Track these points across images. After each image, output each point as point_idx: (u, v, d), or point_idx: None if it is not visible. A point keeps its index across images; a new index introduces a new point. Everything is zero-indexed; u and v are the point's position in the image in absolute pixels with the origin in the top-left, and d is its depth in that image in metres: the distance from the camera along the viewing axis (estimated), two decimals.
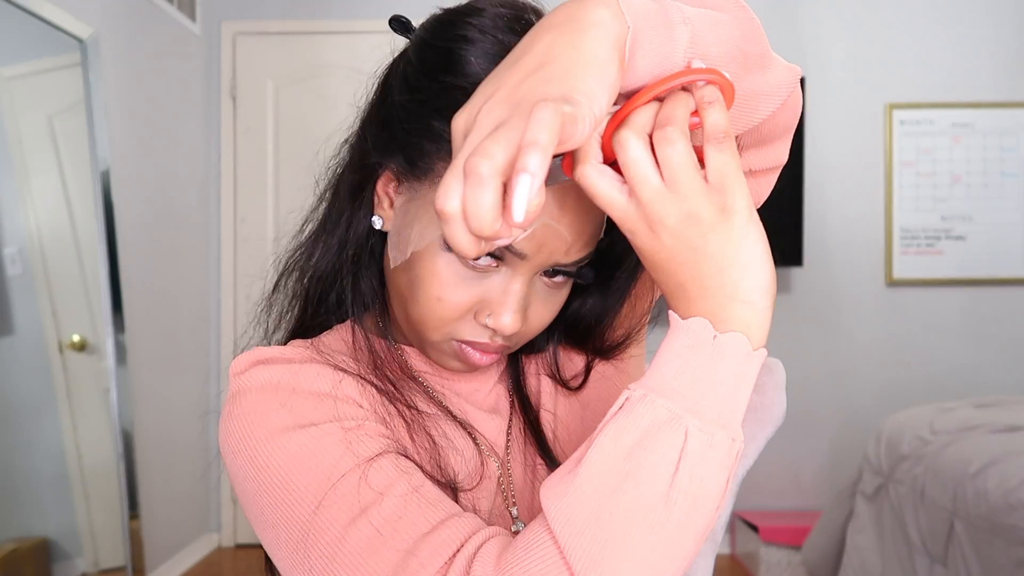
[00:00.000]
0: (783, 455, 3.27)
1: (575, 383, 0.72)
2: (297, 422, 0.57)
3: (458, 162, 0.40)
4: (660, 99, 0.47)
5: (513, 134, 0.39)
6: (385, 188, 0.64)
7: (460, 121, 0.44)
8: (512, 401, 0.71)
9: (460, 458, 0.64)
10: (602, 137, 0.47)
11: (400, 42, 0.67)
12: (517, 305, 0.59)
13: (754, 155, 0.58)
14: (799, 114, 0.58)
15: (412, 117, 0.59)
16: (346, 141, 0.69)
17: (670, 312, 0.50)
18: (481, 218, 0.38)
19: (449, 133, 0.55)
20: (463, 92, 0.55)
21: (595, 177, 0.46)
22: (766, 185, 0.62)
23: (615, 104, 0.46)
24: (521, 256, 0.57)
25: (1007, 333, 3.34)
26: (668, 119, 0.46)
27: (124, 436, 2.56)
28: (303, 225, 0.70)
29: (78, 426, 2.48)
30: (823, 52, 3.32)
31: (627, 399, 0.49)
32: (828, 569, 2.52)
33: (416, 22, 0.66)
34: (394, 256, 0.62)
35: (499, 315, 0.58)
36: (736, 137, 0.55)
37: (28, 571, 2.26)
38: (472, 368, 0.64)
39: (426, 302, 0.59)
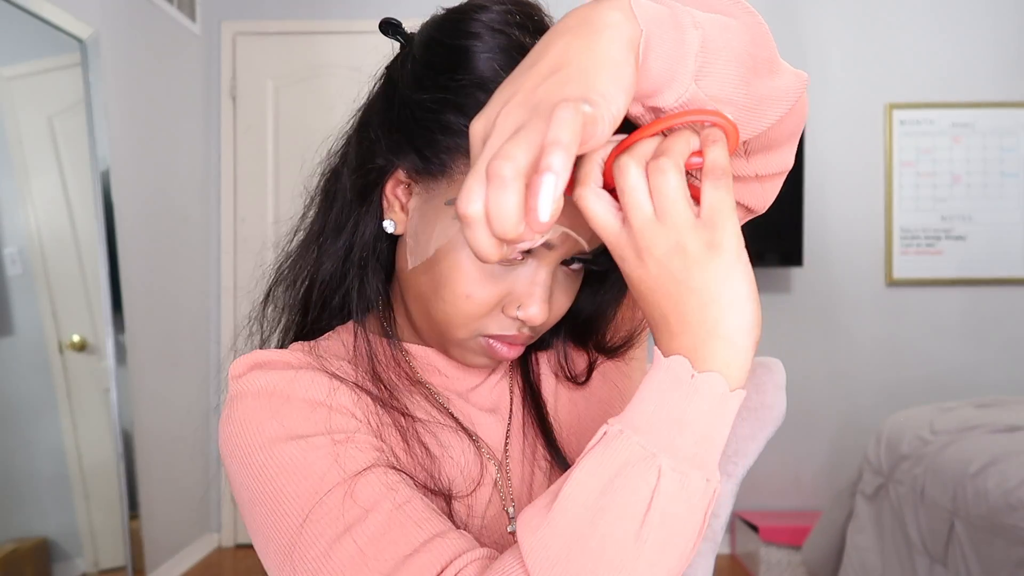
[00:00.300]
0: (783, 455, 3.27)
1: (579, 379, 0.73)
2: (289, 433, 0.57)
3: (479, 166, 0.40)
4: (665, 134, 0.48)
5: (534, 136, 0.39)
6: (394, 191, 0.64)
7: (478, 127, 0.44)
8: (512, 400, 0.71)
9: (455, 465, 0.64)
10: (604, 163, 0.48)
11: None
12: (545, 295, 0.60)
13: (761, 160, 0.59)
14: (805, 120, 0.58)
15: (425, 114, 0.60)
16: (345, 145, 0.69)
17: (655, 347, 0.50)
18: (505, 221, 0.38)
19: (465, 127, 0.56)
20: (476, 87, 0.57)
21: (592, 200, 0.47)
22: (771, 190, 0.62)
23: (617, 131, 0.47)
24: (549, 247, 0.58)
25: (1007, 333, 3.34)
26: (665, 151, 0.46)
27: (124, 436, 2.56)
28: (293, 234, 0.71)
29: (78, 426, 2.48)
30: (823, 52, 3.32)
31: (605, 433, 0.49)
32: (828, 569, 2.52)
33: (414, 22, 0.66)
34: (413, 259, 0.62)
35: (528, 306, 0.59)
36: (744, 142, 0.55)
37: (28, 571, 2.26)
38: (498, 362, 0.65)
39: (454, 300, 0.60)
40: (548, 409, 0.71)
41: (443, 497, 0.62)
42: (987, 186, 3.33)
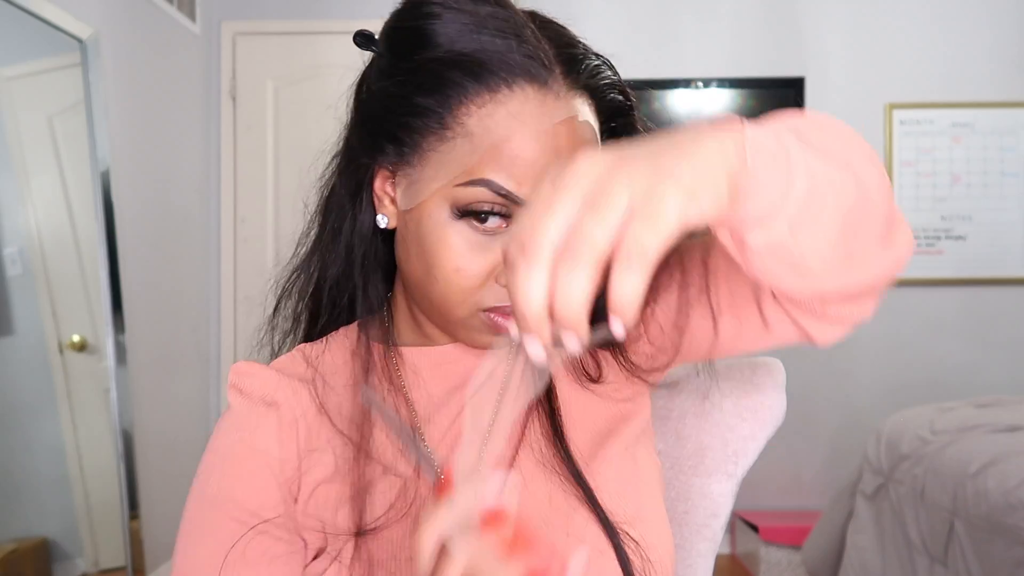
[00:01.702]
0: (783, 455, 3.26)
1: (595, 378, 0.72)
2: (217, 496, 0.64)
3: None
4: None
5: (614, 216, 0.39)
6: (383, 187, 0.65)
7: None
8: None
9: (385, 498, 0.63)
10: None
11: None
12: None
13: (838, 308, 0.60)
14: (899, 274, 0.56)
15: (392, 100, 0.61)
16: (336, 156, 0.70)
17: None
18: (570, 307, 0.39)
19: (429, 107, 0.58)
20: (439, 63, 0.58)
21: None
22: (840, 331, 0.64)
23: None
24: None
25: (1007, 333, 3.34)
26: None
27: (124, 436, 2.56)
28: (297, 248, 0.72)
29: (78, 426, 2.48)
30: (823, 52, 3.32)
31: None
32: (828, 569, 2.52)
33: None
34: (403, 244, 0.64)
35: None
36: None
37: (28, 571, 2.26)
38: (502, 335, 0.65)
39: (445, 277, 0.60)
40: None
41: (352, 533, 0.62)
42: (987, 186, 3.33)
